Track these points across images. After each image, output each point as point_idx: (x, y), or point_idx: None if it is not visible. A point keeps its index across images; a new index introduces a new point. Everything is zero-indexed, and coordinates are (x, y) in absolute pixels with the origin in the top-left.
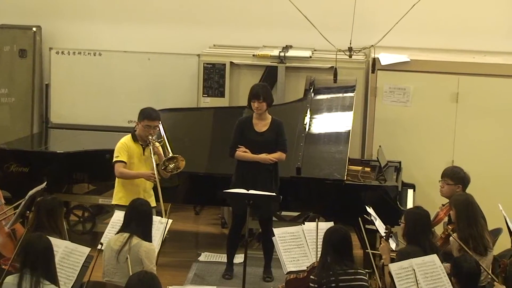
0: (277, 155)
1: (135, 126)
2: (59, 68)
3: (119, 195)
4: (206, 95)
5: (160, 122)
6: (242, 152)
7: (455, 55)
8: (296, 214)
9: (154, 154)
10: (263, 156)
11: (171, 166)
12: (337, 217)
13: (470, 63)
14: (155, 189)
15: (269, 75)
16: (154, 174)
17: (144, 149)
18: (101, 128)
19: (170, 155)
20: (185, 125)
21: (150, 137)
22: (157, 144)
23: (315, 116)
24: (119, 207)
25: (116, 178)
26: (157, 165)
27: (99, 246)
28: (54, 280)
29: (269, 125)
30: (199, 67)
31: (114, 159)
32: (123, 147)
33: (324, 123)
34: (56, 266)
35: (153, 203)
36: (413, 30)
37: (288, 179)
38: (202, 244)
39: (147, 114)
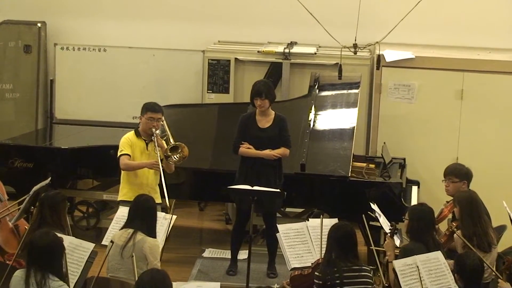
0: (281, 151)
1: (139, 122)
2: (63, 63)
3: (123, 191)
4: (210, 91)
5: (163, 116)
6: (246, 148)
7: (460, 52)
8: (300, 210)
9: (157, 146)
10: (267, 152)
11: (177, 157)
12: (341, 213)
13: (475, 60)
14: (160, 185)
15: (274, 71)
16: (158, 162)
17: (147, 145)
18: (106, 124)
19: (172, 143)
20: (189, 121)
21: (154, 130)
22: (160, 138)
23: (319, 113)
24: (124, 202)
25: (121, 174)
26: (161, 160)
27: (108, 244)
28: (61, 275)
29: (273, 121)
30: (204, 63)
31: (119, 154)
32: (126, 141)
33: (329, 119)
34: (63, 261)
35: (158, 200)
36: (418, 26)
37: (293, 175)
38: (206, 240)
39: (150, 107)
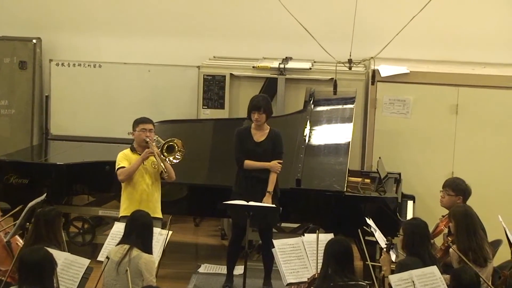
0: (273, 164)
1: (133, 142)
2: (59, 79)
3: (123, 206)
4: (206, 107)
5: (154, 127)
6: (251, 161)
7: (455, 66)
8: (296, 225)
9: (155, 156)
10: (272, 164)
11: (178, 155)
12: (337, 228)
13: (469, 75)
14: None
15: (269, 86)
16: (150, 150)
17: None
18: (101, 139)
19: (163, 142)
20: (185, 137)
21: (149, 140)
22: (154, 146)
23: (315, 128)
24: (125, 218)
25: (122, 190)
26: (161, 172)
27: (104, 260)
28: None
29: (267, 135)
30: (199, 78)
31: (116, 168)
32: (123, 156)
33: (324, 134)
34: (55, 277)
35: (159, 214)
36: (412, 42)
37: (288, 190)
38: (202, 256)
39: (140, 120)
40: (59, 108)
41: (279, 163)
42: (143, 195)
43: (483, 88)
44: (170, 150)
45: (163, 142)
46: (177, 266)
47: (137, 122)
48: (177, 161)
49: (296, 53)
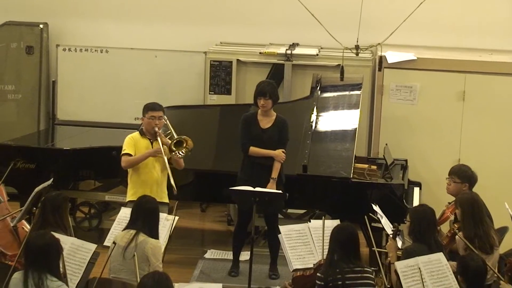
0: (277, 152)
1: (141, 124)
2: (66, 65)
3: (131, 192)
4: (212, 93)
5: (164, 114)
6: (256, 148)
7: (462, 53)
8: (302, 211)
9: (162, 145)
10: (277, 153)
11: (183, 152)
12: (343, 215)
13: (476, 62)
14: (169, 185)
15: (276, 72)
16: (160, 149)
17: (152, 143)
18: (108, 125)
19: (176, 137)
20: (191, 122)
21: (157, 129)
22: (163, 136)
23: (321, 114)
24: (132, 203)
25: (129, 175)
26: (169, 159)
27: (111, 245)
28: (59, 276)
29: (273, 122)
30: (206, 64)
31: (121, 153)
32: (130, 141)
33: (331, 121)
34: (61, 262)
35: (166, 199)
36: (419, 28)
37: (295, 176)
38: (208, 241)
39: (150, 106)
40: (66, 93)
41: (283, 152)
42: (151, 180)
43: (490, 75)
44: (178, 144)
45: (172, 130)
46: (184, 251)
47: (147, 108)
48: (181, 156)
49: (303, 39)
